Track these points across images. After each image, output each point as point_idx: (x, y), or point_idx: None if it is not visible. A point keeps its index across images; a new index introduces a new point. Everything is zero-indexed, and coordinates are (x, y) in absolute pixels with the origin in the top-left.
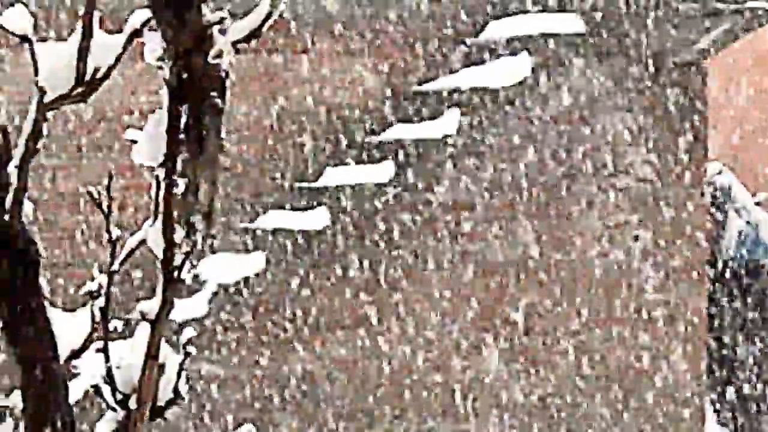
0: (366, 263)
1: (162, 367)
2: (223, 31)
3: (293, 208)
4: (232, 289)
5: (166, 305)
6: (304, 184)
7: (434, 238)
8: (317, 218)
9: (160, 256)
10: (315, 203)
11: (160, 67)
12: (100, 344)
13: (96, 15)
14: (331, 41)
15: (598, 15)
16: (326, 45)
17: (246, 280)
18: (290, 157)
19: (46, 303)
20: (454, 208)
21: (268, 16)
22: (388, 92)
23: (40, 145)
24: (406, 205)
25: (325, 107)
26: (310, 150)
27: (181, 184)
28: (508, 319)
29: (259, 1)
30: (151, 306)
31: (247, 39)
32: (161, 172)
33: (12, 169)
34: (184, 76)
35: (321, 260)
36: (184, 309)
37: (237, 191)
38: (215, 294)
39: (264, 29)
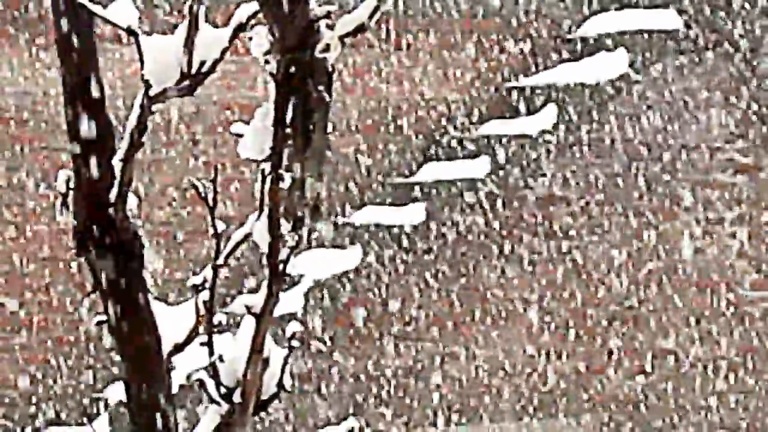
0: (461, 258)
1: (266, 361)
2: (330, 26)
3: (390, 204)
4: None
5: (272, 299)
6: (401, 180)
7: (529, 234)
8: (413, 214)
9: (266, 250)
10: (411, 199)
11: (267, 62)
12: (204, 338)
13: (202, 8)
14: (428, 36)
15: (695, 11)
16: (423, 40)
17: (342, 274)
18: (387, 152)
19: (150, 296)
20: (551, 204)
21: (375, 10)
22: (485, 87)
23: (145, 138)
24: (502, 201)
25: (422, 102)
26: (407, 145)
27: (288, 178)
28: (602, 316)
29: None
30: (257, 300)
31: (354, 33)
32: (267, 166)
33: (117, 162)
34: (291, 70)
35: (417, 256)
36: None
37: (332, 186)
38: (310, 288)
39: (371, 23)
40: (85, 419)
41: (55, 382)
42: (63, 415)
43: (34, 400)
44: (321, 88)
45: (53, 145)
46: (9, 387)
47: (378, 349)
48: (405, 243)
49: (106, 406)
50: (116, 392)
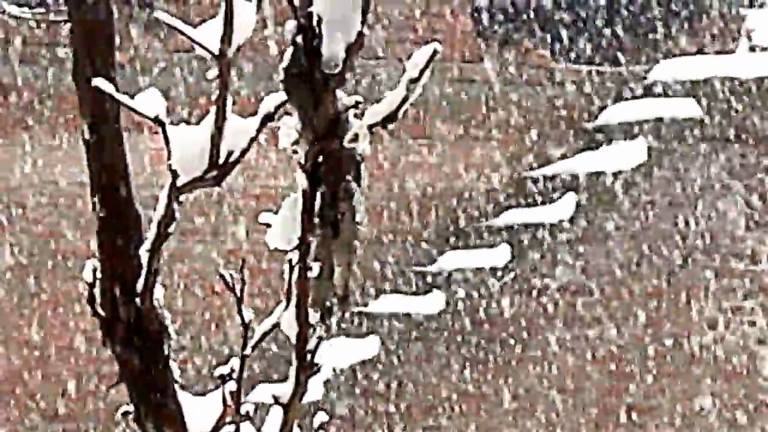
0: (481, 347)
1: None
2: (358, 115)
3: (410, 293)
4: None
5: (300, 389)
6: (420, 268)
7: (549, 322)
8: (432, 302)
9: (294, 340)
10: (430, 287)
11: (295, 152)
12: (231, 428)
13: (229, 98)
14: (449, 125)
15: (715, 100)
16: (444, 129)
17: (361, 363)
18: (407, 240)
19: (177, 387)
20: (570, 292)
21: (405, 100)
22: (505, 176)
23: (171, 229)
24: (521, 290)
25: (443, 191)
26: (427, 233)
27: (316, 268)
28: (624, 406)
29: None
30: (284, 390)
31: (383, 123)
32: (295, 256)
33: (143, 253)
34: (320, 159)
35: (435, 344)
36: None
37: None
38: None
39: (400, 114)
40: None
41: None
42: None
43: None
44: (349, 177)
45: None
46: None
47: (398, 430)
48: (424, 331)
49: None
50: None
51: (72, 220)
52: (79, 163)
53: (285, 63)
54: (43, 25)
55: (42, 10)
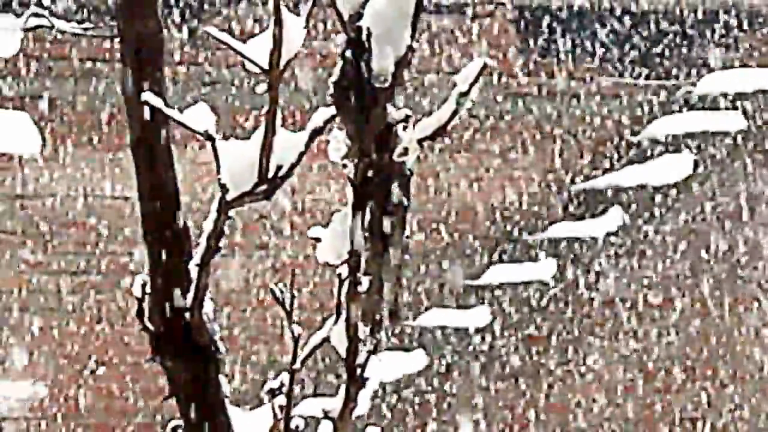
0: (526, 360)
1: None
2: (407, 128)
3: (456, 307)
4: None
5: (349, 404)
6: (467, 282)
7: (595, 335)
8: (479, 316)
9: (344, 354)
10: (477, 301)
11: (345, 165)
12: None
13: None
14: (495, 138)
15: (760, 112)
16: (490, 142)
17: (407, 376)
18: (453, 254)
19: (226, 401)
20: (616, 305)
21: (455, 113)
22: (551, 190)
23: (221, 243)
24: (567, 303)
25: (489, 205)
26: (473, 248)
27: (365, 282)
28: (669, 418)
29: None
30: (334, 404)
31: (432, 137)
32: (345, 270)
33: (193, 267)
34: (369, 173)
35: (481, 357)
36: None
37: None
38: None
39: (449, 127)
40: None
41: None
42: None
43: None
44: (399, 191)
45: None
46: None
47: None
48: (470, 345)
49: None
50: None
51: (120, 233)
52: (128, 176)
53: (335, 77)
54: (94, 41)
55: (92, 25)
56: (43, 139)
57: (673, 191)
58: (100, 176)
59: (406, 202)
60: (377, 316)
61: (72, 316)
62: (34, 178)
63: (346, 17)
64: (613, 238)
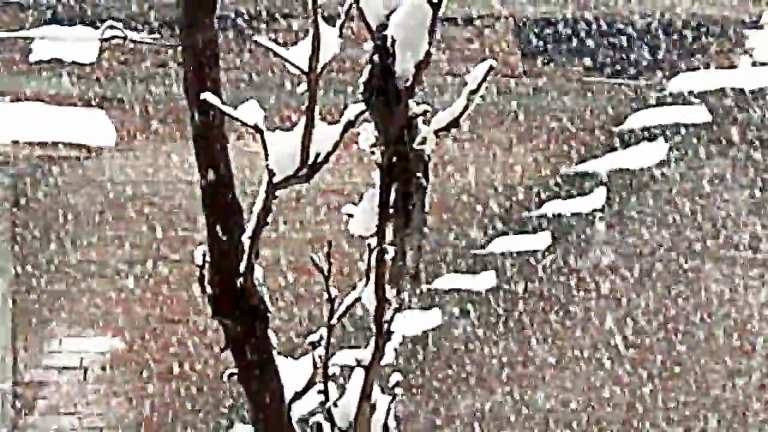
0: (525, 318)
1: (373, 406)
2: (426, 121)
3: (466, 272)
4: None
5: (378, 354)
6: (475, 251)
7: (584, 297)
8: (486, 280)
9: (373, 312)
10: (484, 267)
11: (373, 152)
12: (320, 386)
13: (316, 108)
14: (497, 130)
15: (723, 108)
16: (493, 133)
17: (425, 331)
18: (463, 228)
19: (274, 352)
20: (601, 271)
21: (465, 108)
22: (546, 173)
23: (269, 218)
24: (560, 270)
25: (493, 186)
26: (480, 222)
27: (391, 251)
28: (647, 367)
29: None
30: (365, 354)
31: (446, 128)
32: (373, 241)
33: (245, 239)
34: (394, 159)
35: (487, 315)
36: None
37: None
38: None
39: (461, 120)
40: None
41: (196, 425)
42: None
43: None
44: (419, 175)
45: (184, 225)
46: (155, 428)
47: (456, 391)
48: (478, 305)
49: None
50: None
51: (183, 211)
52: (190, 163)
53: (364, 78)
54: (161, 49)
55: (158, 35)
56: (117, 133)
57: (649, 174)
58: (165, 164)
59: (425, 184)
60: (401, 280)
61: (143, 281)
62: (110, 166)
63: (373, 27)
64: (598, 214)
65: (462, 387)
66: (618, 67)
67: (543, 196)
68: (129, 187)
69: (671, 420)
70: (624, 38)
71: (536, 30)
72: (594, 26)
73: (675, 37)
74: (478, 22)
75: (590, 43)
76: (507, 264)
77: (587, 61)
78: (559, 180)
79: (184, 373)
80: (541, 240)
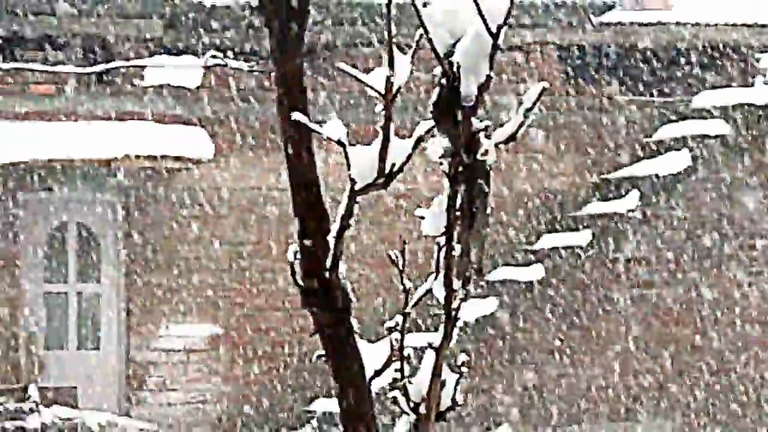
0: (570, 305)
1: (443, 383)
2: (487, 135)
3: (518, 265)
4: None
5: (447, 337)
6: (526, 247)
7: (621, 285)
8: (535, 272)
9: (442, 301)
10: (534, 261)
11: (441, 163)
12: (397, 365)
13: (392, 124)
14: (544, 143)
15: (740, 121)
16: (540, 143)
17: (484, 317)
18: (515, 227)
19: (356, 336)
20: (635, 262)
21: (522, 124)
22: (586, 179)
23: (351, 221)
24: (601, 262)
25: (540, 190)
26: (529, 222)
27: (458, 249)
28: (674, 343)
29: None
30: (436, 337)
31: (506, 142)
32: (442, 240)
33: (331, 239)
34: (459, 169)
35: (537, 302)
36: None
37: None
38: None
39: (519, 135)
40: (298, 425)
41: (283, 399)
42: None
43: (266, 406)
44: (481, 182)
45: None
46: (232, 403)
47: (510, 368)
48: (529, 294)
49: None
50: (321, 406)
51: (273, 214)
52: (280, 173)
53: (433, 98)
54: (255, 74)
55: (253, 63)
56: (215, 147)
57: (675, 178)
58: (259, 174)
59: (486, 190)
60: (466, 273)
61: (238, 275)
62: (208, 176)
63: (441, 55)
64: (632, 213)
65: (515, 365)
66: (648, 86)
67: (584, 198)
68: (224, 193)
69: (694, 393)
70: (654, 61)
71: (577, 54)
72: (626, 51)
73: (698, 59)
74: (527, 48)
75: (623, 65)
76: (554, 257)
77: (621, 81)
78: (598, 184)
79: (274, 354)
80: (583, 236)
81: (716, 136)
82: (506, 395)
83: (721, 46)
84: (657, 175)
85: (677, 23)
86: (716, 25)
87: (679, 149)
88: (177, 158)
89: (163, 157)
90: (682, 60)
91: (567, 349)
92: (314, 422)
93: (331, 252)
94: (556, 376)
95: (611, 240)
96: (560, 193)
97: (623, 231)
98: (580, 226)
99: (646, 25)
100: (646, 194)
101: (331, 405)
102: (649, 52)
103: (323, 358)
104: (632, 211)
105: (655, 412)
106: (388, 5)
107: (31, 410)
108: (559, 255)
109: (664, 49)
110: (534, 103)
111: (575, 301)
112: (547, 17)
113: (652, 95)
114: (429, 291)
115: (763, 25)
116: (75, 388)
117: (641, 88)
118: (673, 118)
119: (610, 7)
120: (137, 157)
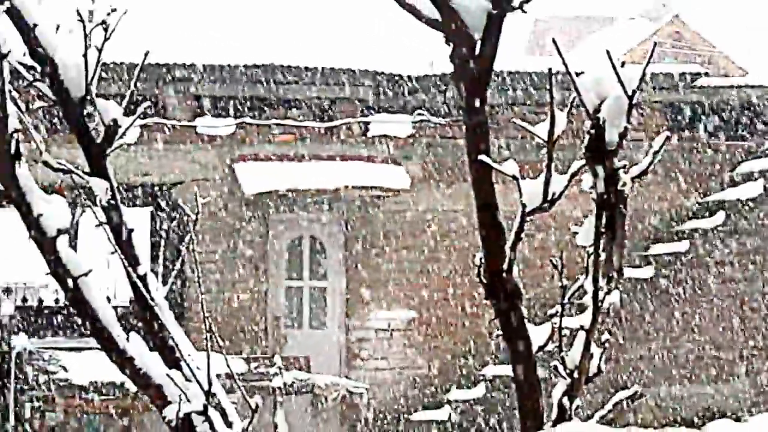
0: (674, 297)
1: (591, 355)
2: (625, 171)
3: (633, 266)
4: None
5: (595, 321)
6: (640, 253)
7: (710, 284)
8: (647, 272)
9: (591, 295)
10: (646, 263)
11: (591, 192)
12: (556, 343)
13: (553, 164)
14: (652, 175)
15: None
16: (649, 177)
17: (610, 305)
18: (633, 238)
19: (524, 319)
20: (724, 266)
21: (651, 163)
22: (684, 202)
23: (522, 236)
24: (696, 265)
25: (646, 211)
26: (643, 235)
27: (602, 255)
28: (755, 325)
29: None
30: (586, 320)
31: (639, 176)
32: (592, 248)
33: (507, 248)
34: (605, 197)
35: (649, 295)
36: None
37: None
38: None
39: (650, 170)
40: (471, 385)
41: (462, 366)
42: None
43: (449, 370)
44: (621, 206)
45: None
46: (423, 369)
47: (625, 344)
48: (643, 288)
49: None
50: (490, 371)
51: (461, 232)
52: (465, 199)
53: (585, 144)
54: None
55: (446, 120)
56: (411, 179)
57: (753, 202)
58: (449, 200)
59: (624, 212)
60: (610, 274)
61: (430, 274)
62: (405, 202)
63: (591, 111)
64: (720, 228)
65: (629, 341)
66: (731, 132)
67: (684, 216)
68: (420, 214)
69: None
70: (735, 113)
71: (680, 108)
72: (714, 106)
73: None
74: (641, 106)
75: (712, 117)
76: (661, 261)
77: (712, 129)
78: (694, 206)
79: (455, 332)
80: (682, 246)
81: None
82: (627, 363)
83: None
84: (739, 200)
85: (752, 86)
86: None
87: (756, 180)
88: (382, 188)
89: (373, 187)
90: (759, 109)
91: (670, 330)
92: (486, 383)
93: (507, 258)
94: (662, 347)
95: (704, 248)
96: (666, 212)
97: (713, 241)
98: (681, 238)
99: (728, 87)
100: (730, 213)
101: (498, 370)
102: (731, 107)
103: (500, 337)
104: (720, 226)
105: (738, 374)
106: (549, 77)
107: (276, 374)
108: (665, 259)
109: (742, 105)
110: (661, 147)
111: (677, 295)
112: (656, 82)
113: (734, 139)
114: (581, 287)
115: None
116: (308, 357)
117: (727, 133)
118: (750, 156)
119: (700, 75)
120: (354, 187)
